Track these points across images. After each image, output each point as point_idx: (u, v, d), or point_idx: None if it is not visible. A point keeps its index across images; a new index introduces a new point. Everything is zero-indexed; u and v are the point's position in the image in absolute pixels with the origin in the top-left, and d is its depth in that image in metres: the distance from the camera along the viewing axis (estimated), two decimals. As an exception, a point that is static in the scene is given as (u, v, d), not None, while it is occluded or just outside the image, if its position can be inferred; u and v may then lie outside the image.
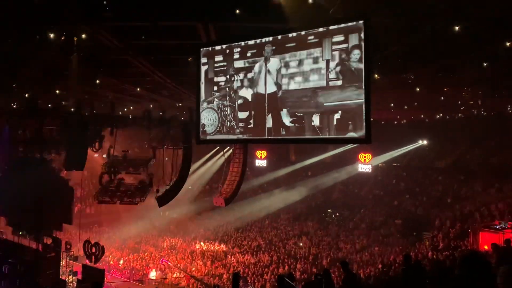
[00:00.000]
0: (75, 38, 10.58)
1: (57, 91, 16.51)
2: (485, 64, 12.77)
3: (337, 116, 8.83)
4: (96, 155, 19.61)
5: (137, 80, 16.19)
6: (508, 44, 10.55)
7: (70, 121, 15.10)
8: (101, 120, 15.97)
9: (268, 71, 9.53)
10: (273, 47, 9.46)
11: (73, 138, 14.97)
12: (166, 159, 16.91)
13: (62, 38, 10.29)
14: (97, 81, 15.14)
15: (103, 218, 28.10)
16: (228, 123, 10.21)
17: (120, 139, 17.15)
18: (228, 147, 19.91)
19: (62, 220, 16.30)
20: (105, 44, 11.15)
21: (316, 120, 8.89)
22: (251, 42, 9.83)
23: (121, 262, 22.20)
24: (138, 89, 17.57)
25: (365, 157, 24.92)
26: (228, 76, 10.24)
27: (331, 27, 8.71)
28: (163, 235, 26.20)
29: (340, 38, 8.66)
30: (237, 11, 9.26)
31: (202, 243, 24.36)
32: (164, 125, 16.14)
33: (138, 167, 16.35)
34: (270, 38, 9.48)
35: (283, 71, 9.34)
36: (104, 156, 17.26)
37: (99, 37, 10.62)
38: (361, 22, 8.42)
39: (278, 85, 9.36)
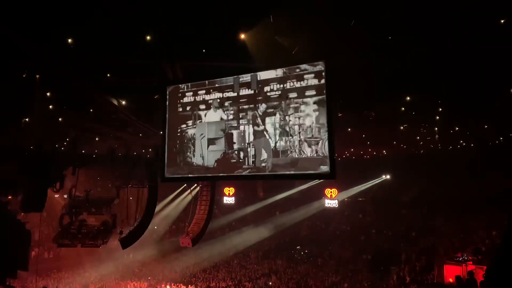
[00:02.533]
0: (37, 76, 10.38)
1: (16, 129, 15.91)
2: (439, 101, 13.52)
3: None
4: (56, 196, 18.74)
5: (102, 118, 15.89)
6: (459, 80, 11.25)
7: (30, 160, 14.48)
8: (63, 159, 15.41)
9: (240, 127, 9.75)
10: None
11: (32, 178, 14.29)
12: (131, 198, 16.39)
13: (24, 76, 10.07)
14: (60, 119, 14.76)
15: (62, 263, 26.45)
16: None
17: (82, 179, 16.56)
18: (195, 185, 19.62)
19: (16, 266, 15.21)
20: (69, 81, 10.98)
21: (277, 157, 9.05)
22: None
23: (81, 309, 20.82)
24: (102, 127, 17.22)
25: (331, 192, 25.11)
26: (194, 115, 10.36)
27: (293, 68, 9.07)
28: (126, 278, 24.91)
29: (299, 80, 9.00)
30: (204, 51, 9.43)
31: (168, 286, 23.34)
32: (129, 164, 15.75)
33: (101, 207, 15.69)
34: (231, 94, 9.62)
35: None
36: (65, 196, 16.52)
37: (63, 74, 10.47)
38: (321, 62, 8.81)
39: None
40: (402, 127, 18.49)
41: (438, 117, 15.88)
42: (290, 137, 9.41)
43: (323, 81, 8.90)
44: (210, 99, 10.67)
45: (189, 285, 23.25)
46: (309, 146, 9.09)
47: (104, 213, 15.82)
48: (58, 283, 22.34)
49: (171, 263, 27.35)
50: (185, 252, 26.20)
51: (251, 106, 9.88)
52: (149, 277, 25.07)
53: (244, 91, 9.96)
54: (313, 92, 9.00)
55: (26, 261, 15.51)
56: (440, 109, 14.57)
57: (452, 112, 14.98)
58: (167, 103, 11.18)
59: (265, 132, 9.82)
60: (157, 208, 19.39)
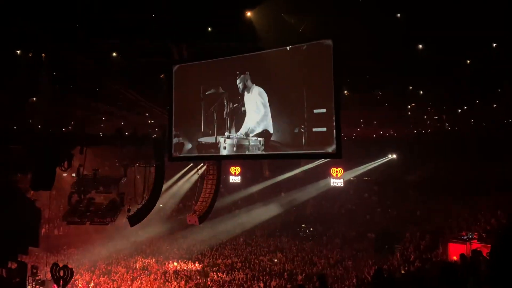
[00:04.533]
0: (43, 55, 10.39)
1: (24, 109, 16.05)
2: (447, 81, 13.39)
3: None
4: (65, 174, 19.01)
5: (109, 98, 15.96)
6: (468, 61, 11.14)
7: (38, 140, 14.64)
8: (71, 139, 15.57)
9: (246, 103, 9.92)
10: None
11: (40, 157, 14.49)
12: (138, 177, 16.60)
13: (30, 55, 10.09)
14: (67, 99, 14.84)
15: (72, 240, 27.03)
16: None
17: (90, 158, 16.69)
18: (202, 164, 19.77)
19: (28, 243, 15.60)
20: (76, 62, 10.99)
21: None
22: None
23: (91, 285, 21.39)
24: (109, 107, 17.31)
25: (337, 171, 25.21)
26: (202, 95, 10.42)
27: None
28: (135, 255, 25.46)
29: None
30: (209, 29, 9.37)
31: (175, 263, 23.84)
32: (136, 143, 15.89)
33: (108, 186, 15.92)
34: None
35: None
36: (74, 175, 16.75)
37: (70, 55, 10.48)
38: (329, 41, 8.72)
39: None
40: (409, 106, 18.37)
41: (446, 96, 15.75)
42: (298, 115, 9.43)
43: (330, 58, 8.83)
44: (216, 78, 10.66)
45: (196, 262, 23.77)
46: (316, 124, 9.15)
47: (112, 192, 16.07)
48: (68, 259, 22.89)
49: (178, 240, 27.86)
50: (192, 230, 26.65)
51: (257, 81, 9.90)
52: (157, 254, 25.62)
53: (250, 67, 9.98)
54: (320, 70, 8.96)
55: (36, 238, 15.87)
56: (449, 88, 14.42)
57: (460, 91, 14.83)
58: (173, 83, 11.19)
59: (271, 110, 9.85)
60: (164, 187, 19.61)
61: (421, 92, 15.13)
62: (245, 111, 10.31)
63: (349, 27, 9.07)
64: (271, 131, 10.02)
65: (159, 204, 21.28)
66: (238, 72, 10.16)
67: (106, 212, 15.66)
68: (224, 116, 10.71)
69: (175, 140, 11.58)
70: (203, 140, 11.12)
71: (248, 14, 8.52)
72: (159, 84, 12.92)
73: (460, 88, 14.33)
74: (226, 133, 10.75)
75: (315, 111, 9.27)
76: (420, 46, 10.01)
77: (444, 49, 10.22)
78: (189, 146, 11.36)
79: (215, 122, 10.85)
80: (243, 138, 10.46)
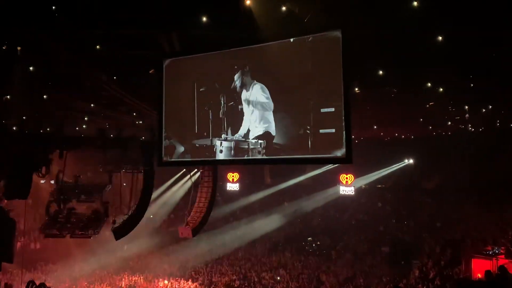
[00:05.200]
0: (18, 48, 10.39)
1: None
2: (471, 76, 13.37)
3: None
4: (42, 181, 18.99)
5: (91, 95, 15.95)
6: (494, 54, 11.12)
7: (12, 142, 14.62)
8: (49, 141, 15.54)
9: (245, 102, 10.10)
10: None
11: (15, 162, 14.45)
12: (124, 184, 16.57)
13: (4, 48, 10.09)
14: (44, 96, 14.82)
15: (50, 255, 26.93)
16: None
17: (70, 163, 16.69)
18: (196, 170, 19.75)
19: (0, 258, 15.54)
20: (55, 55, 10.99)
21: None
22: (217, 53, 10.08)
23: (71, 305, 21.34)
24: (92, 105, 17.29)
25: (346, 178, 25.17)
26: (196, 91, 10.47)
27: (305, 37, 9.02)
28: (121, 272, 25.37)
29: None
30: (204, 19, 9.35)
31: (166, 281, 23.75)
32: (122, 146, 15.86)
33: (91, 194, 15.91)
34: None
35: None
36: (52, 182, 16.73)
37: (48, 48, 10.47)
38: (338, 31, 8.71)
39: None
40: (427, 105, 18.34)
41: (469, 94, 15.73)
42: (303, 115, 9.42)
43: (339, 51, 8.83)
44: (211, 73, 10.65)
45: (190, 280, 23.68)
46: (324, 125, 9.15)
47: (95, 201, 16.05)
48: (46, 276, 22.81)
49: (169, 255, 27.75)
50: (185, 243, 26.56)
51: (258, 77, 9.90)
52: (146, 271, 25.54)
53: (250, 61, 9.99)
54: (328, 64, 8.97)
55: (11, 252, 15.83)
56: (472, 85, 14.40)
57: (485, 89, 14.82)
58: (163, 78, 11.18)
59: (273, 109, 9.85)
60: (154, 195, 19.57)
61: (441, 89, 15.11)
62: (244, 110, 10.30)
63: (361, 16, 9.06)
64: (273, 132, 10.01)
65: (148, 214, 21.21)
66: (236, 67, 10.17)
67: (88, 223, 15.61)
68: (221, 116, 10.69)
69: (165, 143, 11.58)
70: (197, 142, 11.11)
71: (248, 1, 8.51)
72: (148, 80, 12.91)
73: (485, 85, 14.33)
74: (223, 135, 10.74)
75: (323, 110, 9.26)
76: (440, 37, 9.99)
77: (467, 41, 10.20)
78: (181, 149, 11.35)
79: (210, 123, 10.84)
80: (241, 141, 10.45)
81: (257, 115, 10.11)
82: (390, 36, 10.00)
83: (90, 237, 15.76)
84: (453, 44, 10.32)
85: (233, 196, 30.37)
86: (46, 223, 15.97)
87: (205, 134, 10.96)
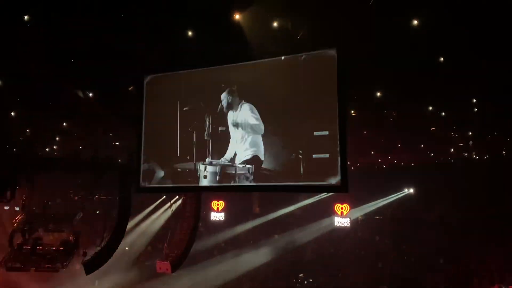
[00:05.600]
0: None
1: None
2: (474, 100, 13.60)
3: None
4: (6, 208, 18.68)
5: (64, 113, 15.87)
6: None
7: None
8: (15, 163, 15.36)
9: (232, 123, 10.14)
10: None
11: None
12: (97, 212, 16.38)
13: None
14: (12, 113, 14.72)
15: (11, 291, 26.34)
16: None
17: (39, 187, 16.50)
18: (177, 197, 19.59)
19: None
20: (22, 64, 10.97)
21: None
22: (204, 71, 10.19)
23: None
24: (64, 123, 17.19)
25: (342, 208, 25.09)
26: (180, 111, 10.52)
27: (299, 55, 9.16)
28: (90, 311, 24.82)
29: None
30: (190, 33, 9.45)
31: (141, 321, 23.26)
32: (96, 170, 15.74)
33: (60, 223, 15.72)
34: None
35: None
36: (18, 209, 16.47)
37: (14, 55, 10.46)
38: (333, 50, 8.86)
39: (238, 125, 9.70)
40: (429, 131, 18.55)
41: (473, 119, 15.96)
42: (295, 139, 9.46)
43: (334, 71, 8.95)
44: (196, 92, 10.70)
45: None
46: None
47: (64, 230, 15.81)
48: (6, 316, 22.18)
49: (145, 293, 27.27)
50: (164, 279, 26.09)
51: (246, 97, 9.95)
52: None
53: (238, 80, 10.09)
54: (321, 85, 9.08)
55: (-33, 288, 15.48)
56: (476, 109, 14.63)
57: (491, 113, 15.06)
58: (143, 96, 11.19)
59: (264, 131, 9.88)
60: (130, 225, 19.31)
61: (443, 113, 15.33)
62: (231, 132, 10.31)
63: (357, 34, 9.23)
64: (262, 157, 10.00)
65: (123, 246, 20.88)
66: (223, 85, 10.22)
67: (56, 256, 15.36)
68: (205, 138, 10.68)
69: (144, 167, 11.49)
70: (178, 166, 11.04)
71: (237, 16, 8.64)
72: (126, 97, 12.90)
73: (491, 110, 14.56)
74: (208, 159, 10.71)
75: (316, 133, 9.30)
76: (442, 58, 10.21)
77: (470, 62, 10.40)
78: (161, 174, 11.26)
79: (194, 145, 10.81)
80: (228, 165, 10.42)
81: (245, 137, 10.12)
82: (389, 55, 10.18)
83: (58, 270, 15.47)
84: (456, 65, 10.53)
85: (218, 226, 30.04)
86: (9, 255, 15.65)
87: (188, 157, 10.90)
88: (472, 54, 10.05)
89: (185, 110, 10.61)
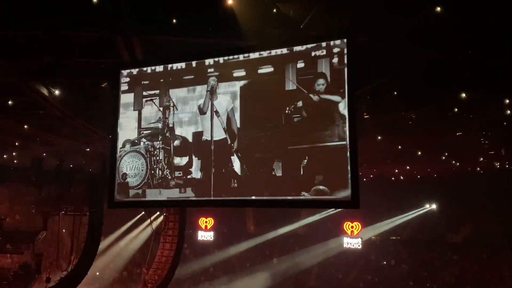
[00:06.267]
0: None
1: None
2: (507, 101, 13.63)
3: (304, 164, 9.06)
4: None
5: (25, 114, 15.83)
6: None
7: None
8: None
9: (215, 112, 9.97)
10: (217, 78, 10.05)
11: None
12: (64, 231, 16.33)
13: None
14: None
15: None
16: (160, 171, 10.44)
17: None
18: (158, 213, 19.56)
19: None
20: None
21: (277, 169, 9.28)
22: (190, 64, 10.14)
23: None
24: (25, 126, 17.14)
25: (352, 227, 25.12)
26: (162, 108, 10.49)
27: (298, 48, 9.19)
28: None
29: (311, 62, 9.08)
30: (174, 21, 9.43)
31: None
32: (63, 180, 15.71)
33: (20, 243, 15.67)
34: (211, 61, 10.13)
35: (236, 113, 9.79)
36: (-31, 226, 16.41)
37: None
38: (342, 41, 8.87)
39: (229, 131, 9.78)
40: (455, 136, 18.57)
41: (506, 123, 15.99)
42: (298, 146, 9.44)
43: (342, 66, 8.95)
44: (179, 89, 10.67)
45: None
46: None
47: (24, 252, 15.76)
48: None
49: (120, 326, 27.20)
50: (141, 310, 26.04)
51: (241, 96, 9.92)
52: None
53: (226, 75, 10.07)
54: (327, 82, 9.06)
55: None
56: (509, 111, 14.66)
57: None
58: (119, 94, 11.16)
59: (259, 138, 9.86)
60: (102, 246, 19.26)
61: (471, 116, 15.37)
62: (221, 134, 10.26)
63: (370, 22, 9.24)
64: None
65: (95, 271, 20.78)
66: (211, 81, 10.17)
67: (14, 281, 15.34)
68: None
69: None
70: (159, 177, 11.02)
71: (230, 1, 8.63)
72: (99, 95, 12.89)
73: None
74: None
75: (320, 139, 9.27)
76: (470, 51, 10.23)
77: (505, 54, 10.35)
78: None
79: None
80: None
81: (236, 141, 10.12)
82: (408, 47, 10.19)
83: (15, 299, 15.43)
84: (488, 59, 10.53)
85: (206, 248, 30.01)
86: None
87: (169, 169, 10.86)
88: (507, 45, 10.00)
89: (166, 108, 10.58)
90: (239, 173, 9.52)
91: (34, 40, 10.69)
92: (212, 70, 10.13)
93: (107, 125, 12.14)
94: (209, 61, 10.17)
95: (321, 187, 8.80)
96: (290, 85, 9.38)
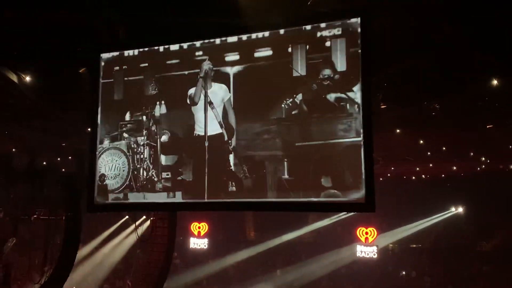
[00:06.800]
0: None
1: None
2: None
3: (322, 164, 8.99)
4: None
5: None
6: None
7: None
8: None
9: (209, 103, 9.72)
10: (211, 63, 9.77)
11: None
12: (36, 238, 16.36)
13: None
14: None
15: None
16: (145, 172, 10.15)
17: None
18: (144, 217, 19.59)
19: None
20: None
21: (283, 169, 9.01)
22: (177, 47, 10.06)
23: None
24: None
25: (366, 233, 25.20)
26: (146, 98, 10.33)
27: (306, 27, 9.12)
28: None
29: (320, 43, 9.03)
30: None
31: None
32: (35, 180, 15.72)
33: (-15, 252, 15.71)
34: (205, 43, 9.86)
35: (233, 103, 9.57)
36: None
37: None
38: (356, 20, 8.85)
39: (226, 124, 9.53)
40: (485, 129, 18.57)
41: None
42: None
43: (356, 49, 8.93)
44: (167, 74, 10.65)
45: None
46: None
47: (-10, 262, 15.79)
48: None
49: None
50: (125, 328, 26.12)
51: (234, 83, 9.88)
52: None
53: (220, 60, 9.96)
54: (338, 68, 9.03)
55: None
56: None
57: None
58: (99, 81, 11.16)
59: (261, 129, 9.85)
60: (80, 254, 19.29)
61: (504, 105, 15.36)
62: (216, 129, 10.25)
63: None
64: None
65: (70, 283, 20.81)
66: (205, 66, 10.14)
67: (-21, 295, 15.38)
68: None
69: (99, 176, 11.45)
70: (146, 175, 11.03)
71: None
72: (77, 82, 12.89)
73: None
74: (185, 165, 10.68)
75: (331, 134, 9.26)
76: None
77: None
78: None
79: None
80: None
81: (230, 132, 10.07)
82: (431, 28, 10.19)
83: (-19, 316, 15.47)
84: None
85: (199, 257, 30.07)
86: None
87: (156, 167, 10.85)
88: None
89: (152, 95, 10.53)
90: (238, 175, 9.24)
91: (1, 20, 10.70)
92: (201, 53, 10.00)
93: (85, 117, 12.12)
94: (201, 43, 10.03)
95: (333, 191, 8.69)
96: (299, 69, 9.27)
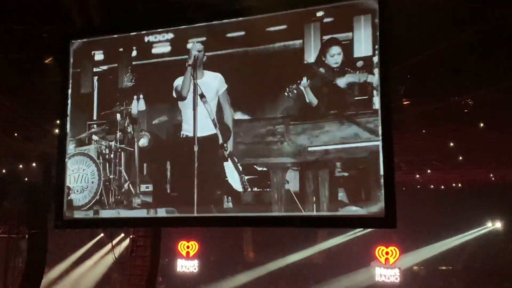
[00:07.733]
0: None
1: None
2: None
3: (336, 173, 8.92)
4: None
5: None
6: None
7: None
8: None
9: (200, 96, 9.47)
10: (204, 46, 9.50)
11: None
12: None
13: None
14: None
15: None
16: (119, 184, 9.94)
17: None
18: (123, 234, 19.59)
19: None
20: None
21: (292, 180, 8.83)
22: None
23: None
24: None
25: (387, 253, 25.26)
26: (121, 91, 10.21)
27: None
28: None
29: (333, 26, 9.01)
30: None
31: None
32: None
33: None
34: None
35: (230, 96, 9.31)
36: None
37: None
38: (373, 1, 8.87)
39: (220, 124, 9.33)
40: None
41: None
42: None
43: (373, 35, 8.95)
44: (151, 62, 10.63)
45: None
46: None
47: None
48: None
49: None
50: None
51: (230, 76, 9.81)
52: None
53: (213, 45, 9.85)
54: (351, 58, 9.02)
55: None
56: None
57: None
58: (69, 71, 11.16)
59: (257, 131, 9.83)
60: (46, 279, 19.30)
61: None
62: (208, 129, 10.23)
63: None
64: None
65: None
66: (194, 50, 10.08)
67: None
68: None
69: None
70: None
71: None
72: (42, 74, 12.91)
73: None
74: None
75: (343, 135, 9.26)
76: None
77: None
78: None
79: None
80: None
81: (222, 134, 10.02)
82: (461, 10, 10.22)
83: None
84: None
85: (188, 282, 30.11)
86: None
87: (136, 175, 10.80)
88: None
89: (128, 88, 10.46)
90: (236, 188, 8.96)
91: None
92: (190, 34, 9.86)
93: (52, 115, 12.12)
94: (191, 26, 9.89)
95: (351, 205, 8.56)
96: (312, 55, 9.14)
